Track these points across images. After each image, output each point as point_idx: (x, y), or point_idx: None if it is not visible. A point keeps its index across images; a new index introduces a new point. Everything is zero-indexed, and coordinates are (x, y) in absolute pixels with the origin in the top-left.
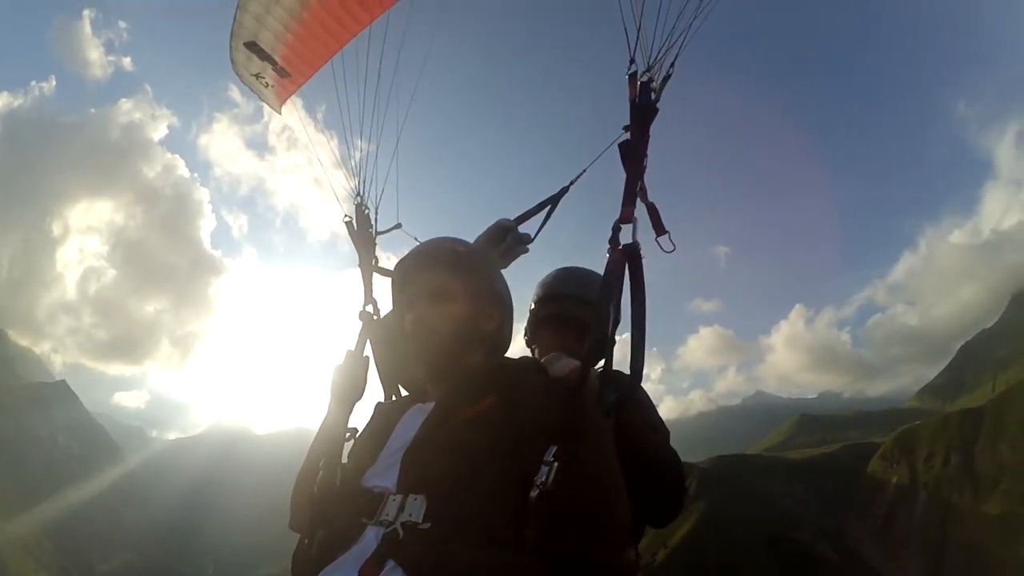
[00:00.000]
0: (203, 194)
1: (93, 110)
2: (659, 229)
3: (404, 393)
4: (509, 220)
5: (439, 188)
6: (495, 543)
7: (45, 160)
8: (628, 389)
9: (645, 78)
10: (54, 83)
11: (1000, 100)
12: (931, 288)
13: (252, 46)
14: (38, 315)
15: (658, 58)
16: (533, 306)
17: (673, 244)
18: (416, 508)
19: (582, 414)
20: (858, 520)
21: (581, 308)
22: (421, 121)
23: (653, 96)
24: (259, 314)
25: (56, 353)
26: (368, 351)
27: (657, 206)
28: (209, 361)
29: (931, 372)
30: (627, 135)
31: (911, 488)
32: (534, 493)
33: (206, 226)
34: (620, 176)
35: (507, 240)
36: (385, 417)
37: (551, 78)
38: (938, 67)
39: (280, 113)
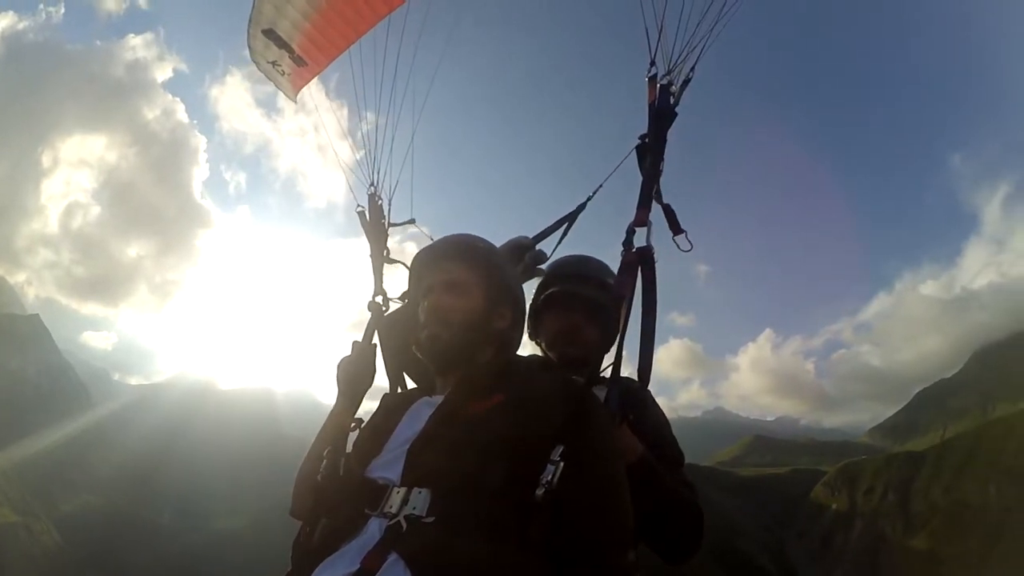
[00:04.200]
0: (200, 142)
1: (99, 43)
2: (675, 229)
3: (411, 386)
4: (527, 238)
5: (453, 188)
6: (499, 540)
7: (43, 87)
8: (635, 392)
9: (665, 81)
10: (63, 10)
11: (996, 161)
12: (897, 333)
13: (270, 33)
14: (16, 245)
15: (678, 62)
16: (533, 297)
17: (690, 243)
18: (420, 502)
19: (589, 414)
20: (798, 539)
21: (586, 287)
22: (438, 118)
23: (672, 100)
24: (242, 272)
25: (30, 285)
26: (376, 342)
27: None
28: (184, 311)
29: (887, 412)
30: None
31: (849, 516)
32: (539, 491)
33: (199, 175)
34: (636, 184)
35: (525, 259)
36: (391, 409)
37: (572, 80)
38: (942, 117)
39: (295, 101)
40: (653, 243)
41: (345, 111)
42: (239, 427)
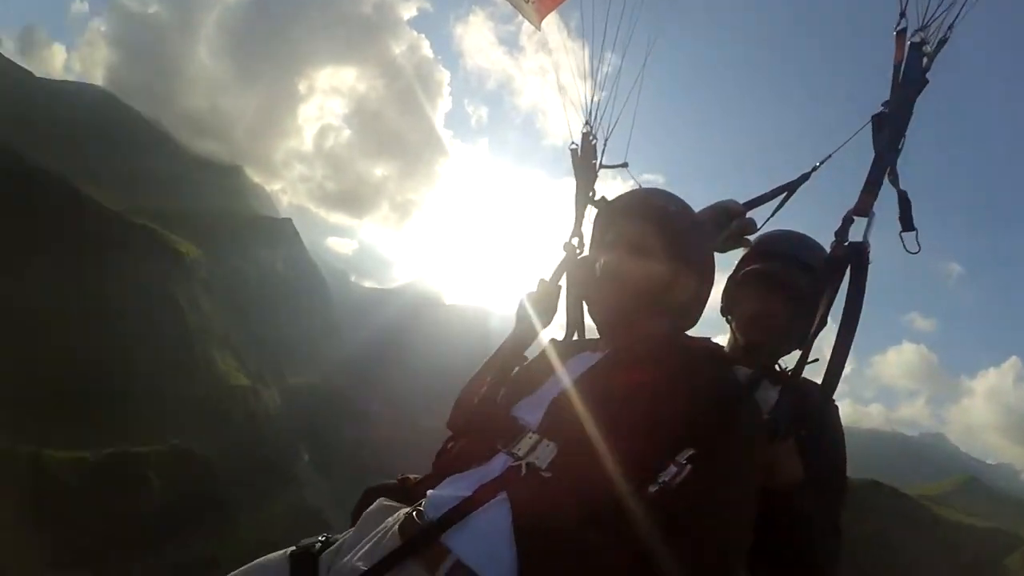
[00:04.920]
0: (444, 76)
1: None
2: (907, 224)
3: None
4: (737, 203)
5: (670, 138)
6: (601, 520)
7: (298, 23)
8: (815, 404)
9: (916, 38)
10: None
11: None
12: None
13: None
14: (274, 159)
15: (936, 16)
16: (734, 270)
17: (919, 245)
18: (545, 454)
19: (734, 427)
20: None
21: (793, 270)
22: (668, 64)
23: (925, 62)
24: (475, 199)
25: (284, 194)
26: (563, 284)
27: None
28: (419, 229)
29: None
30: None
31: None
32: (654, 488)
33: (442, 107)
34: (867, 162)
35: (732, 226)
36: (554, 355)
37: (814, 36)
38: None
39: (540, 29)
40: (871, 239)
41: (577, 47)
42: (454, 338)
